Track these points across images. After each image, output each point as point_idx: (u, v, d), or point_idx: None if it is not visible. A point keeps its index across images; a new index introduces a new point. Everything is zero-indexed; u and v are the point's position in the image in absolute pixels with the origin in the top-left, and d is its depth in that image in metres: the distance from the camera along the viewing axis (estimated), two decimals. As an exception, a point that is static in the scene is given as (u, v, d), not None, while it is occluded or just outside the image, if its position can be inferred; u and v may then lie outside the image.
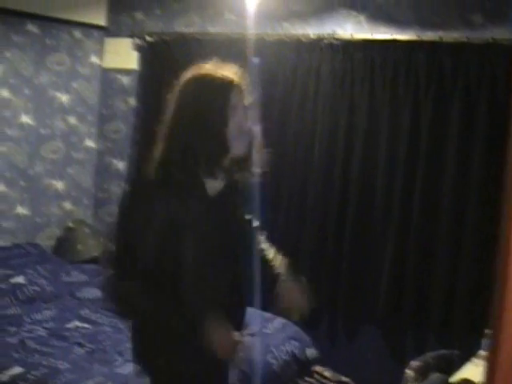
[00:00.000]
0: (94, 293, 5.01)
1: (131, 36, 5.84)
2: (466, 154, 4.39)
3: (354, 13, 4.82)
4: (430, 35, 4.47)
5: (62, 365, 3.78)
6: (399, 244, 4.61)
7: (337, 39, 4.78)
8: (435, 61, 4.44)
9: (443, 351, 3.98)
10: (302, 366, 4.44)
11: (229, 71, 2.54)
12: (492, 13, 4.37)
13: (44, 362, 3.79)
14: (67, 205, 6.05)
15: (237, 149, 2.52)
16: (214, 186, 2.57)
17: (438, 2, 4.52)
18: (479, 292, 4.32)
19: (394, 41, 4.56)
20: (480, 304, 4.28)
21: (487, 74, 4.31)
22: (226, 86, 2.50)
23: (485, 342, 3.42)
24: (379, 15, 4.72)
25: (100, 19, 6.04)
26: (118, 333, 4.37)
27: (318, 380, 4.52)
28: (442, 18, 4.48)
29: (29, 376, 3.62)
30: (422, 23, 4.55)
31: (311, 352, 4.54)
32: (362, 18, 4.80)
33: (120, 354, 4.00)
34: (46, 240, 5.89)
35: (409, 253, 4.58)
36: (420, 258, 4.55)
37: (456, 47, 4.37)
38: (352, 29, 4.82)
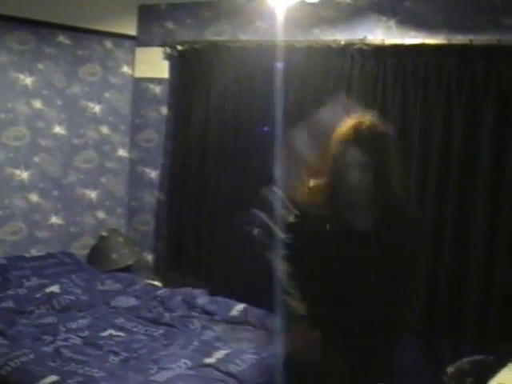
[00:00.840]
0: (129, 301, 5.04)
1: (162, 45, 5.87)
2: (501, 159, 4.34)
3: (384, 18, 4.80)
4: (460, 39, 4.43)
5: (97, 373, 3.80)
6: (433, 250, 4.57)
7: (367, 45, 4.76)
8: (466, 64, 4.39)
9: (478, 357, 3.94)
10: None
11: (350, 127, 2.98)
12: (524, 15, 4.33)
13: (79, 371, 3.81)
14: (100, 214, 6.10)
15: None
16: (360, 221, 3.02)
17: (467, 5, 4.48)
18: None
19: (425, 45, 4.53)
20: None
21: (520, 76, 4.27)
22: (339, 144, 2.99)
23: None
24: (409, 20, 4.69)
25: (131, 29, 6.09)
26: (152, 341, 4.39)
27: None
28: (472, 21, 4.43)
29: (64, 384, 3.64)
30: (452, 27, 4.51)
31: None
32: (392, 22, 4.77)
33: (155, 362, 4.01)
34: (80, 249, 5.94)
35: (443, 259, 4.54)
36: (454, 264, 4.51)
37: (487, 50, 4.31)
38: (382, 34, 4.78)
